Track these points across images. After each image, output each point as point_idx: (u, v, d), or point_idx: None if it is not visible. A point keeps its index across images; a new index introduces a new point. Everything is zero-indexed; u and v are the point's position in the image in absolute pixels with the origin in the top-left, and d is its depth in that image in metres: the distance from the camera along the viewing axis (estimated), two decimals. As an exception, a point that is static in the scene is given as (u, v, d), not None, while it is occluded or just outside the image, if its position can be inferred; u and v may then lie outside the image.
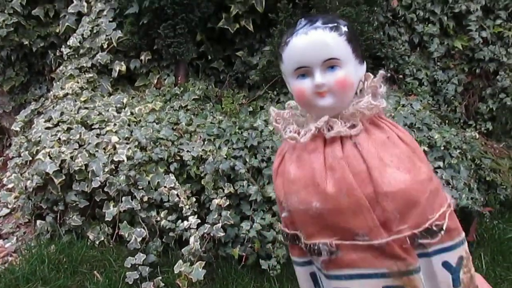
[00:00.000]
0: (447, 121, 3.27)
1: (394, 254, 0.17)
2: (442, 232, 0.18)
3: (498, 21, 3.73)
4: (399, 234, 0.16)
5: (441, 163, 2.65)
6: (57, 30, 3.91)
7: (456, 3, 3.69)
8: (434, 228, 0.16)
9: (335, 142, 0.18)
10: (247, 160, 2.60)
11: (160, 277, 2.45)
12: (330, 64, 0.18)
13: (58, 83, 3.55)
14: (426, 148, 2.66)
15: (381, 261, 0.17)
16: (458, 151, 2.76)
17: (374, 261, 0.17)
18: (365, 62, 0.19)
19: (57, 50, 3.89)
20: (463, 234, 0.18)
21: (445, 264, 0.19)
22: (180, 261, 2.42)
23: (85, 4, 3.72)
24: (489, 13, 3.79)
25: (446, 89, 3.73)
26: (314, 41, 0.18)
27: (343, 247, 0.17)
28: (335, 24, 0.17)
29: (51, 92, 3.46)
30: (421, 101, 3.29)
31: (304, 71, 0.18)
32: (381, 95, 0.17)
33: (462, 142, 2.88)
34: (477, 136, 3.25)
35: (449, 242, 0.17)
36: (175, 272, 2.40)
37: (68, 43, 3.56)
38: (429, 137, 2.72)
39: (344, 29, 0.18)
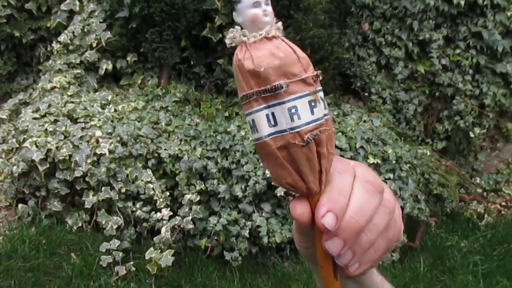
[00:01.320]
0: (403, 138, 3.60)
1: (310, 82, 0.38)
2: (320, 78, 0.40)
3: (457, 51, 4.10)
4: (310, 74, 0.37)
5: (391, 175, 2.97)
6: (48, 25, 4.10)
7: (421, 31, 4.04)
8: (319, 74, 0.38)
9: (273, 39, 0.39)
10: (219, 161, 2.86)
11: (132, 262, 2.69)
12: (267, 2, 0.39)
13: (46, 76, 3.74)
14: (379, 161, 2.98)
15: (306, 87, 0.38)
16: (408, 165, 3.09)
17: (303, 88, 0.38)
18: None
19: (47, 44, 4.08)
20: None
21: (321, 97, 0.41)
22: (152, 248, 2.67)
23: (77, 3, 3.93)
24: (450, 42, 4.15)
25: (407, 109, 4.08)
26: None
27: (290, 83, 0.38)
28: None
29: (39, 84, 3.65)
30: (381, 118, 3.62)
31: (257, 4, 0.39)
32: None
33: (413, 158, 3.22)
34: (428, 153, 3.60)
35: (320, 87, 0.39)
36: (146, 258, 2.65)
37: (59, 39, 3.76)
38: (383, 151, 3.04)
39: None
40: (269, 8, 0.40)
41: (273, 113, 0.40)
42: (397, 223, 0.45)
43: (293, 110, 0.39)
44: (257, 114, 0.40)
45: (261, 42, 0.40)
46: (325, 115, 0.41)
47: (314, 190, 0.41)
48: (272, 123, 0.40)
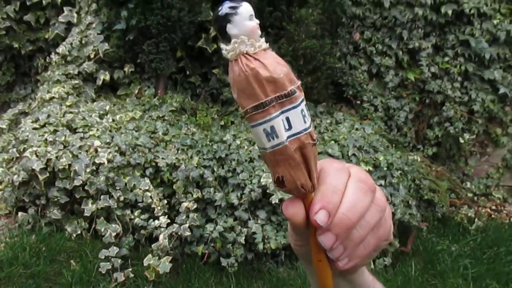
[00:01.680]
0: (395, 145, 3.69)
1: (301, 88, 0.40)
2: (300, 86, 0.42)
3: (446, 59, 4.21)
4: (298, 84, 0.39)
5: (383, 182, 3.06)
6: (46, 36, 4.18)
7: (410, 40, 4.15)
8: (299, 84, 0.39)
9: (267, 49, 0.40)
10: (215, 169, 2.94)
11: (130, 269, 2.76)
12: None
13: (44, 86, 3.82)
14: (371, 168, 3.07)
15: (301, 92, 0.40)
16: (399, 172, 3.18)
17: (301, 93, 0.40)
18: None
19: (45, 55, 4.16)
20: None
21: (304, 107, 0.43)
22: (150, 255, 2.74)
23: (75, 15, 4.01)
24: (438, 50, 4.26)
25: (398, 116, 4.18)
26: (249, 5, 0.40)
27: (297, 88, 0.39)
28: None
29: (38, 95, 3.72)
30: (373, 125, 3.71)
31: (251, 17, 0.40)
32: None
33: (404, 164, 3.31)
34: (419, 159, 3.69)
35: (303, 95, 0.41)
36: (145, 264, 2.71)
37: (57, 51, 3.83)
38: (374, 158, 3.13)
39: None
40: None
41: (287, 118, 0.41)
42: (387, 222, 0.48)
43: (303, 113, 0.42)
44: (276, 120, 0.41)
45: (261, 53, 0.41)
46: None
47: (316, 187, 0.44)
48: (287, 127, 0.42)
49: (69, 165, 2.92)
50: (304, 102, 0.43)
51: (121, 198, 2.89)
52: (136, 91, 3.81)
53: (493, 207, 4.41)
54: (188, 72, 4.02)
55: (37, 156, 2.94)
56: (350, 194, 0.44)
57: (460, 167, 4.50)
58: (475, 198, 4.43)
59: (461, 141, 4.27)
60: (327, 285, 0.48)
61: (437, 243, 3.50)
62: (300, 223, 0.44)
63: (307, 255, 0.49)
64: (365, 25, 4.14)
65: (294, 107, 0.41)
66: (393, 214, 3.04)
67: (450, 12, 4.06)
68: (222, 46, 0.42)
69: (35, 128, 3.18)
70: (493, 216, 4.25)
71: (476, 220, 3.91)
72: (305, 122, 0.42)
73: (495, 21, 4.18)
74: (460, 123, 4.27)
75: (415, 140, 4.40)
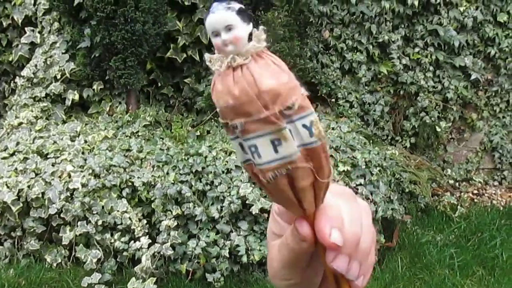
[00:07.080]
0: (372, 140, 3.69)
1: (271, 121, 0.36)
2: (296, 107, 0.37)
3: (417, 49, 4.22)
4: (272, 111, 0.35)
5: (362, 180, 3.05)
6: (10, 59, 4.06)
7: (380, 34, 4.15)
8: (290, 106, 0.34)
9: (238, 68, 0.36)
10: (193, 184, 2.89)
11: (115, 294, 2.70)
12: (228, 28, 0.37)
13: (12, 111, 3.71)
14: (349, 168, 3.06)
15: (266, 126, 0.36)
16: (378, 168, 3.17)
17: (262, 127, 0.36)
18: (251, 22, 0.36)
19: (11, 78, 4.05)
20: (312, 108, 0.38)
21: (304, 126, 0.39)
22: (133, 278, 2.68)
23: (38, 35, 3.91)
24: (408, 42, 4.27)
25: (374, 110, 4.18)
26: (218, 17, 0.36)
27: (247, 123, 0.36)
28: (230, 6, 0.34)
29: (6, 121, 3.61)
30: (349, 123, 3.70)
31: (216, 33, 0.37)
32: (263, 40, 0.34)
33: (382, 160, 3.30)
34: (397, 152, 3.69)
35: (303, 113, 0.36)
36: (129, 288, 2.66)
37: (22, 74, 3.73)
38: (352, 157, 3.12)
39: (236, 7, 0.34)
40: (230, 35, 0.38)
41: (242, 143, 0.39)
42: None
43: (252, 149, 0.39)
44: (232, 142, 0.40)
45: (227, 73, 0.38)
46: (307, 144, 0.39)
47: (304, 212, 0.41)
48: (241, 152, 0.40)
49: (43, 193, 2.84)
50: (264, 138, 0.38)
51: (99, 222, 2.82)
52: (108, 108, 3.73)
53: (475, 191, 4.46)
54: (160, 84, 3.95)
55: (8, 187, 2.85)
56: (344, 208, 0.40)
57: (439, 155, 4.54)
58: (457, 184, 4.48)
59: (438, 129, 4.30)
60: None
61: (422, 235, 3.51)
62: (311, 243, 0.41)
63: None
64: (334, 22, 4.12)
65: (244, 140, 0.38)
66: (375, 211, 3.04)
67: (416, 3, 4.07)
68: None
69: (4, 158, 3.09)
70: (475, 200, 4.30)
71: (459, 207, 3.95)
72: (253, 158, 0.39)
73: (461, 9, 4.21)
74: (435, 112, 4.30)
75: (393, 133, 4.41)
